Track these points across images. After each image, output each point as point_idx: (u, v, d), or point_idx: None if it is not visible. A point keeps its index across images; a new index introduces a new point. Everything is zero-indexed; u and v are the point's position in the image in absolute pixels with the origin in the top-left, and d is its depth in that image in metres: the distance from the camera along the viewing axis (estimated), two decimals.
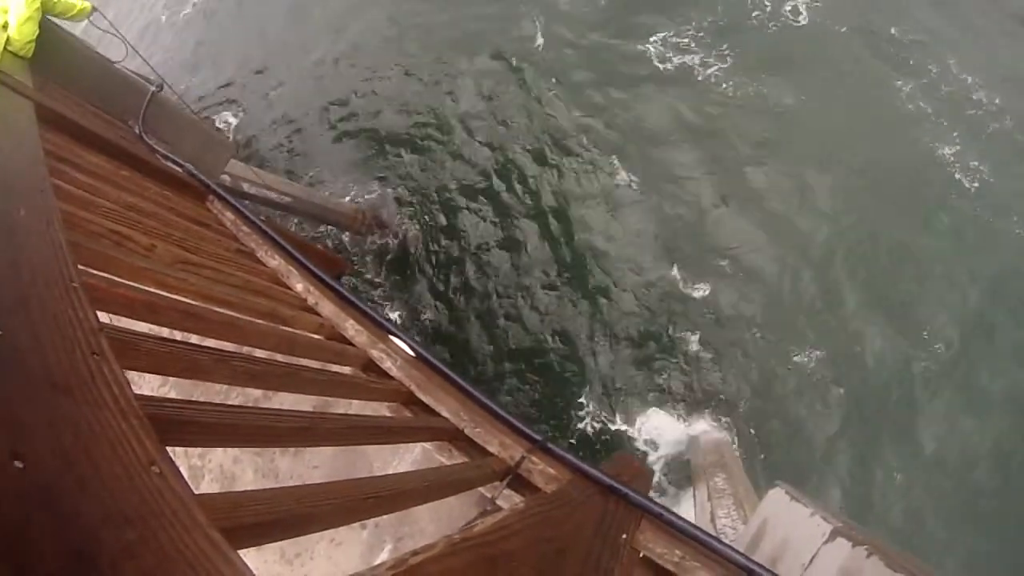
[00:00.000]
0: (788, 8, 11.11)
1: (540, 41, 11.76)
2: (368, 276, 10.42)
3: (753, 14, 11.16)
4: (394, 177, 11.16)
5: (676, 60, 11.01)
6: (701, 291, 9.23)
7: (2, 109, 2.94)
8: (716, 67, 10.76)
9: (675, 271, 9.40)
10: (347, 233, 10.86)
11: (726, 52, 10.85)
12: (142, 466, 0.91)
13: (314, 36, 13.76)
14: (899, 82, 10.37)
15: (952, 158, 9.73)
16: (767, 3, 11.18)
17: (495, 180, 10.61)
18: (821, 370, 8.65)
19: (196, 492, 0.93)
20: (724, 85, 10.60)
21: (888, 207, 9.52)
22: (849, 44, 10.83)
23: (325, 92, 12.79)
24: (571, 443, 8.45)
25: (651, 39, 11.24)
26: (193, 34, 16.04)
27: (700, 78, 10.74)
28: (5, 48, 4.74)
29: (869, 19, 11.02)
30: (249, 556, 0.87)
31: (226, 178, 8.38)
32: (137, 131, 6.28)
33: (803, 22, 11.01)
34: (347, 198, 11.12)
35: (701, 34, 11.09)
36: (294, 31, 14.16)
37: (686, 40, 11.10)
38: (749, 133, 10.23)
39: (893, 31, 10.80)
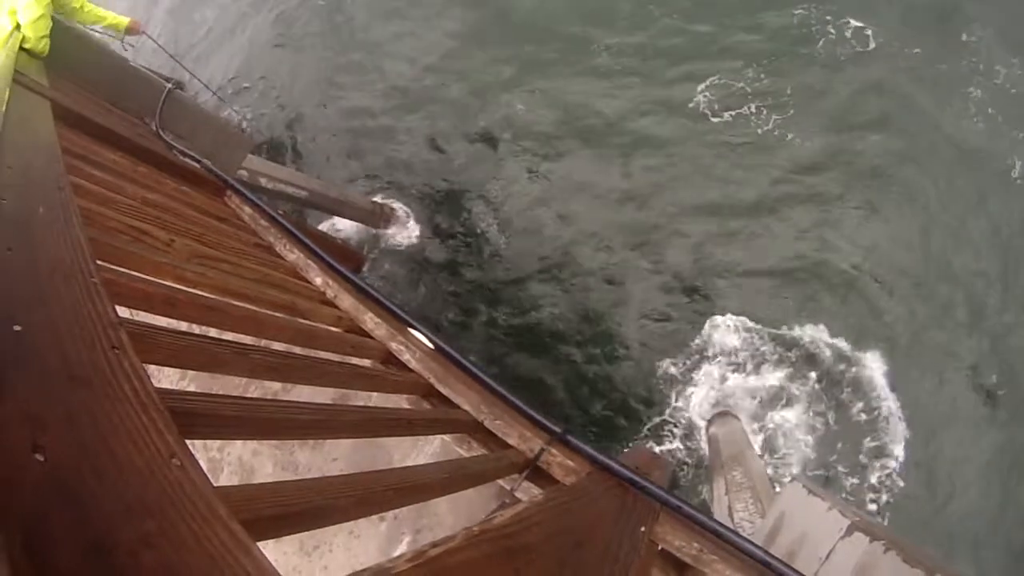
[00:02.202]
0: (849, 33, 10.53)
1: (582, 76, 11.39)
2: (386, 269, 10.44)
3: (819, 43, 10.58)
4: (412, 171, 11.16)
5: (729, 112, 10.36)
6: (728, 296, 9.21)
7: (19, 108, 2.96)
8: (777, 117, 10.16)
9: (703, 270, 9.38)
10: (365, 227, 10.88)
11: (788, 96, 10.28)
12: (162, 458, 0.92)
13: (330, 28, 13.76)
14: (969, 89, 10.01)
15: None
16: (831, 31, 10.57)
17: (512, 177, 10.60)
18: None
19: (215, 485, 0.94)
20: (790, 136, 10.01)
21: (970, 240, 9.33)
22: (922, 62, 10.33)
23: (344, 87, 12.80)
24: (591, 435, 8.46)
25: (700, 87, 10.64)
26: (203, 29, 16.08)
27: (760, 131, 10.14)
28: (20, 47, 4.75)
29: (936, 30, 10.52)
30: (267, 548, 0.87)
31: (244, 173, 8.42)
32: (154, 128, 6.31)
33: (872, 47, 10.45)
34: (365, 192, 11.13)
35: (761, 74, 10.49)
36: (311, 24, 14.16)
37: (740, 84, 10.49)
38: (824, 174, 9.85)
39: (964, 38, 10.34)
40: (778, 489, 6.55)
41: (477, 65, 11.97)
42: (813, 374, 8.60)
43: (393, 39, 12.82)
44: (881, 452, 8.21)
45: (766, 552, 2.53)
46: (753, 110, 10.29)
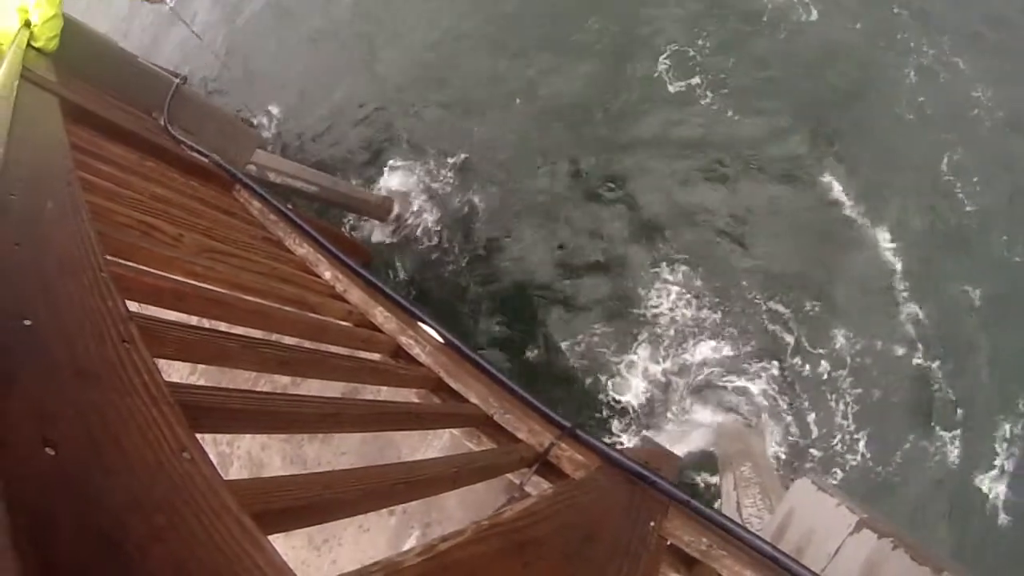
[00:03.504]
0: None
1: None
2: (395, 263, 10.45)
3: (763, 19, 10.78)
4: (423, 165, 11.17)
5: (681, 81, 10.63)
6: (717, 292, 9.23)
7: (27, 105, 2.96)
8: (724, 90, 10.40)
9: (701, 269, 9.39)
10: (375, 221, 10.89)
11: (727, 71, 10.54)
12: (172, 452, 0.92)
13: (346, 21, 13.77)
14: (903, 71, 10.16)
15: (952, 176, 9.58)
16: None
17: (522, 170, 10.60)
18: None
19: (225, 479, 0.94)
20: (729, 111, 10.24)
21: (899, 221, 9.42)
22: (860, 38, 10.52)
23: (353, 80, 12.80)
24: (601, 428, 8.47)
25: (660, 60, 10.87)
26: (218, 24, 16.10)
27: (704, 101, 10.38)
28: (29, 44, 4.74)
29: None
30: (276, 542, 0.87)
31: (252, 168, 8.44)
32: (162, 123, 6.33)
33: (814, 17, 10.63)
34: (375, 186, 11.14)
35: (708, 46, 10.72)
36: (326, 18, 14.17)
37: (692, 53, 10.73)
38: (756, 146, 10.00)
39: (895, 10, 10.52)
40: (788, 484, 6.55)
41: (469, 55, 12.10)
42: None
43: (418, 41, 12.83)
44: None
45: (775, 548, 2.53)
46: (701, 81, 10.52)
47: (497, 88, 11.46)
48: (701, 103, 10.37)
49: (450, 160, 11.02)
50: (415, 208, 10.78)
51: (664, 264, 9.40)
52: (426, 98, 11.85)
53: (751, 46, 10.64)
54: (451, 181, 10.86)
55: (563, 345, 9.16)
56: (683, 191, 9.85)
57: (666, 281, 9.30)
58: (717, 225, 9.53)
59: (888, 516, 3.14)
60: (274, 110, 13.24)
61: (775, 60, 10.50)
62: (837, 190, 9.44)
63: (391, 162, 11.36)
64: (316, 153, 12.12)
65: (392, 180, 11.16)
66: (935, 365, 8.56)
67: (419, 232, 10.58)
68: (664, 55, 10.82)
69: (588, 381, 8.89)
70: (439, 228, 10.50)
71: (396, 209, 10.80)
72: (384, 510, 2.98)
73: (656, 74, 10.77)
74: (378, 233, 10.85)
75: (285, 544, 3.24)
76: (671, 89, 10.63)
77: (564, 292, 9.55)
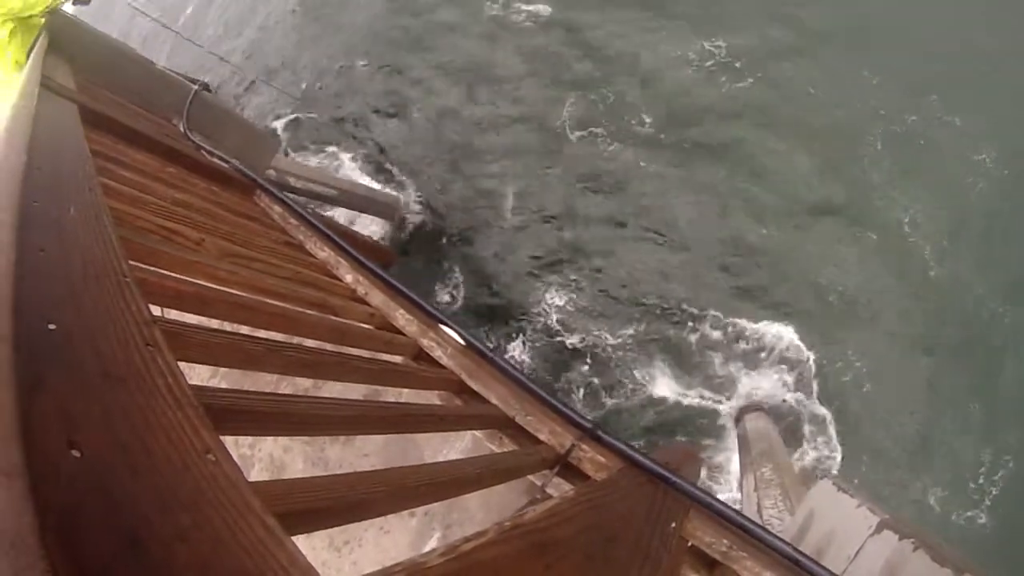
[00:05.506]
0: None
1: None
2: (416, 265, 10.47)
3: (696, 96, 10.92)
4: (439, 165, 11.21)
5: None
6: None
7: (47, 112, 2.98)
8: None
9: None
10: (393, 223, 10.92)
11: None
12: (197, 454, 0.92)
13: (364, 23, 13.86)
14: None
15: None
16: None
17: (533, 169, 10.63)
18: None
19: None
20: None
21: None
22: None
23: (368, 82, 12.86)
24: (623, 429, 8.45)
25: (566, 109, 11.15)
26: (232, 28, 16.21)
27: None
28: (47, 51, 4.66)
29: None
30: (297, 543, 0.88)
31: (272, 172, 8.49)
32: (182, 129, 6.36)
33: (749, 82, 10.74)
34: (393, 187, 11.18)
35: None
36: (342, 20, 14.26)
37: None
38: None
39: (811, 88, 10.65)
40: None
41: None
42: None
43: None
44: None
45: (795, 549, 2.51)
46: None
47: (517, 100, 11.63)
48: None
49: (471, 159, 11.12)
50: (432, 208, 10.84)
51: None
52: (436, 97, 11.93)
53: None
54: (475, 178, 10.97)
55: (590, 344, 9.15)
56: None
57: None
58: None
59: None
60: (299, 111, 13.37)
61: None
62: None
63: (413, 162, 11.45)
64: (337, 153, 12.22)
65: (415, 181, 11.27)
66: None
67: (438, 232, 10.62)
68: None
69: (613, 377, 8.87)
70: (455, 227, 10.56)
71: (401, 208, 10.88)
72: (405, 512, 2.99)
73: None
74: (398, 235, 10.89)
75: (306, 545, 3.25)
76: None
77: (586, 287, 9.58)
